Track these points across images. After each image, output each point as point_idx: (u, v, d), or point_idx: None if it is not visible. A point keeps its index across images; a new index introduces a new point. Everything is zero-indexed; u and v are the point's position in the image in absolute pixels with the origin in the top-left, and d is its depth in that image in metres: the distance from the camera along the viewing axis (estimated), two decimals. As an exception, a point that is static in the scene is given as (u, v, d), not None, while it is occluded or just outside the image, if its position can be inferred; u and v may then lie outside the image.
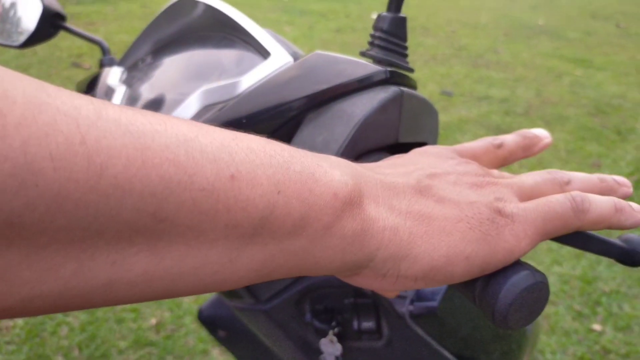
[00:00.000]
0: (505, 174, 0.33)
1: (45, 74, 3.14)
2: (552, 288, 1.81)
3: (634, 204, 0.31)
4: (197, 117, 0.41)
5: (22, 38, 0.66)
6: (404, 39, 0.39)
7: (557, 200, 0.28)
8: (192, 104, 0.42)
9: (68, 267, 0.18)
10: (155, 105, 0.47)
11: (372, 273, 0.26)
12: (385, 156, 0.38)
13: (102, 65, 0.63)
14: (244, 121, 0.39)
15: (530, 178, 0.31)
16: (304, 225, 0.22)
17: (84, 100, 0.18)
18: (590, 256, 1.98)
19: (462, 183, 0.29)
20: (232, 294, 0.53)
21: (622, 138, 3.05)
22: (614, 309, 1.75)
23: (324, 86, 0.37)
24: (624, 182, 0.33)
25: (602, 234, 0.31)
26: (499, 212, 0.27)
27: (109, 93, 0.52)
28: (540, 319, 0.61)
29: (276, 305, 0.51)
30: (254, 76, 0.41)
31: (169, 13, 0.53)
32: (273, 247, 0.22)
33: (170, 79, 0.49)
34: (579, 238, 0.31)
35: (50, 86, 0.17)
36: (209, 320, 0.79)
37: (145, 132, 0.18)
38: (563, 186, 0.31)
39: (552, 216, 0.28)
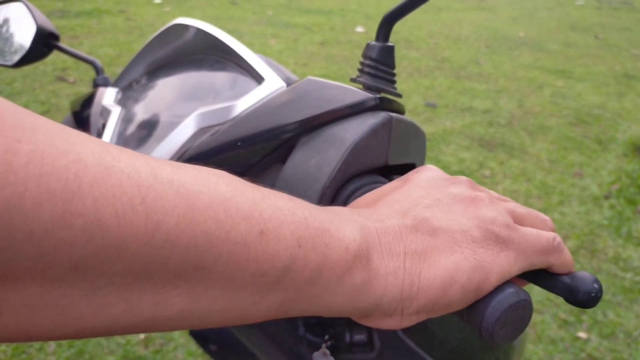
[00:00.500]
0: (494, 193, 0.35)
1: (30, 88, 3.12)
2: (538, 297, 1.84)
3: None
4: (193, 139, 0.42)
5: (16, 57, 0.67)
6: (392, 66, 0.41)
7: (546, 236, 0.30)
8: (188, 126, 0.43)
9: (119, 306, 0.20)
10: (151, 126, 0.48)
11: (380, 315, 0.28)
12: (376, 178, 0.39)
13: (95, 85, 0.64)
14: (239, 144, 0.40)
15: (523, 209, 0.32)
16: (319, 275, 0.25)
17: (142, 161, 0.20)
18: (575, 264, 2.01)
19: (455, 208, 0.30)
20: None
21: (603, 147, 3.11)
22: (599, 316, 1.78)
23: (317, 111, 0.39)
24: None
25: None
26: (495, 237, 0.29)
27: (104, 113, 0.53)
28: (526, 335, 0.63)
29: (269, 320, 0.52)
30: (248, 100, 0.42)
31: (163, 36, 0.54)
32: (292, 293, 0.25)
33: (165, 101, 0.50)
34: (530, 272, 0.32)
35: (112, 147, 0.20)
36: (200, 335, 0.80)
37: (193, 192, 0.21)
38: (546, 224, 0.33)
39: (539, 250, 0.30)
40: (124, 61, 3.77)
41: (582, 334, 1.69)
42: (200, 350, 1.51)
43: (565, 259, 0.31)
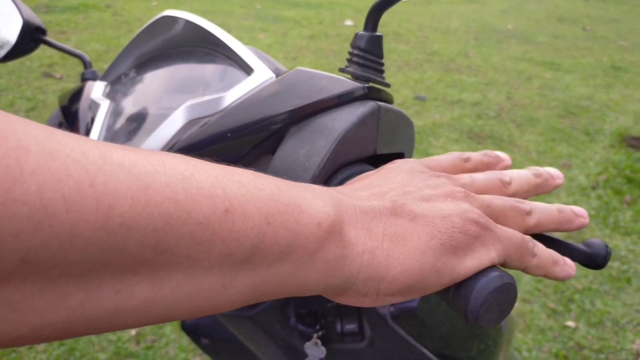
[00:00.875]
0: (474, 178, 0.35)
1: (16, 84, 3.09)
2: (527, 287, 1.86)
3: (577, 208, 0.35)
4: (182, 131, 0.43)
5: (2, 52, 0.66)
6: (381, 56, 0.41)
7: (520, 239, 0.31)
8: (178, 118, 0.43)
9: (77, 297, 0.19)
10: (140, 119, 0.48)
11: (354, 293, 0.28)
12: (365, 167, 0.40)
13: (84, 79, 0.64)
14: (229, 135, 0.40)
15: (499, 201, 0.32)
16: (290, 252, 0.24)
17: (91, 145, 0.19)
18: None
19: (435, 197, 0.31)
20: None
21: (591, 139, 3.14)
22: (587, 305, 1.80)
23: (306, 101, 0.39)
24: (581, 213, 0.35)
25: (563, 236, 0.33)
26: (474, 222, 0.29)
27: (93, 107, 0.53)
28: (515, 316, 0.64)
29: (261, 311, 0.52)
30: (237, 91, 0.43)
31: (151, 29, 0.54)
32: (262, 272, 0.24)
33: (154, 93, 0.50)
34: (547, 243, 0.33)
35: (59, 132, 0.19)
36: (192, 329, 0.80)
37: (147, 172, 0.20)
38: (524, 216, 0.33)
39: (514, 245, 0.31)
40: (111, 56, 3.74)
41: (571, 323, 1.72)
42: (192, 346, 1.51)
43: (540, 261, 0.32)
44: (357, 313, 0.52)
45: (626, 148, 3.02)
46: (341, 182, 0.37)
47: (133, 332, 1.54)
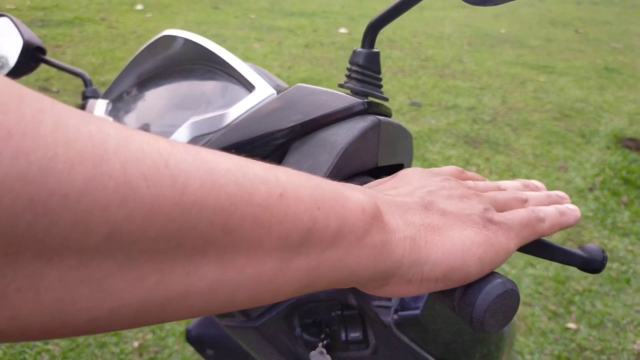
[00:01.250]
0: (477, 185, 0.38)
1: (13, 100, 3.09)
2: (527, 290, 1.87)
3: (570, 205, 0.38)
4: None
5: (3, 72, 0.67)
6: (378, 71, 0.42)
7: (525, 213, 0.34)
8: (182, 135, 0.44)
9: (152, 278, 0.20)
10: None
11: (399, 280, 0.29)
12: (367, 179, 0.41)
13: (85, 96, 0.64)
14: (233, 151, 0.41)
15: (501, 196, 0.36)
16: (340, 237, 0.26)
17: (156, 136, 0.21)
18: (562, 257, 2.04)
19: (454, 196, 0.33)
20: (223, 313, 0.55)
21: (586, 140, 3.16)
22: (587, 307, 1.81)
23: (308, 117, 0.40)
24: (564, 196, 0.40)
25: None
26: (490, 221, 0.32)
27: None
28: (516, 320, 0.65)
29: (266, 321, 0.53)
30: (240, 108, 0.44)
31: (152, 48, 0.55)
32: (316, 257, 0.25)
33: (156, 111, 0.51)
34: (546, 249, 0.34)
35: (119, 125, 0.21)
36: (197, 340, 0.80)
37: (210, 159, 0.22)
38: (523, 203, 0.37)
39: (524, 224, 0.33)
40: (107, 69, 3.76)
41: (572, 325, 1.72)
42: (195, 356, 1.52)
43: (549, 222, 0.35)
44: (361, 322, 0.53)
45: (622, 149, 3.03)
46: None
47: (136, 343, 1.54)
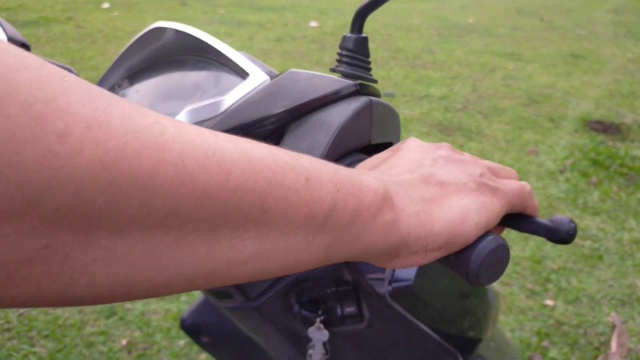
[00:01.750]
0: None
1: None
2: (505, 270, 1.92)
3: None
4: None
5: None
6: (367, 55, 0.45)
7: (519, 184, 0.37)
8: None
9: (202, 250, 0.23)
10: None
11: (407, 253, 0.33)
12: (361, 157, 0.43)
13: None
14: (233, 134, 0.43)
15: (495, 164, 0.39)
16: (357, 216, 0.29)
17: (200, 128, 0.24)
18: (537, 238, 2.10)
19: (451, 165, 0.36)
20: (222, 295, 0.57)
21: (556, 125, 3.24)
22: (563, 284, 1.87)
23: (303, 100, 0.42)
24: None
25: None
26: (485, 185, 0.35)
27: None
28: (500, 293, 0.68)
29: (265, 301, 0.55)
30: (235, 95, 0.45)
31: (142, 40, 0.56)
32: (337, 233, 0.29)
33: (149, 102, 0.52)
34: (516, 220, 0.37)
35: (168, 117, 0.23)
36: (192, 328, 0.82)
37: (248, 148, 0.25)
38: (515, 177, 0.40)
39: (517, 194, 0.36)
40: (77, 69, 3.70)
41: (549, 302, 1.78)
42: (184, 351, 1.52)
43: (535, 203, 0.38)
44: (356, 296, 0.55)
45: (589, 132, 3.13)
46: None
47: (124, 341, 1.54)
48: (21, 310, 1.67)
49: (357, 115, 0.41)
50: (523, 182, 0.37)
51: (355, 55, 0.44)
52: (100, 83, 0.59)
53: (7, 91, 0.16)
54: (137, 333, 1.58)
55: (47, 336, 1.56)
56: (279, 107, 0.43)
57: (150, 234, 0.21)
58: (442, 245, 0.33)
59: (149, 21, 5.29)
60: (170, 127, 0.22)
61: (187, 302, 1.71)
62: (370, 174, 0.33)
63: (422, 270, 0.52)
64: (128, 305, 1.69)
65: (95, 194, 0.18)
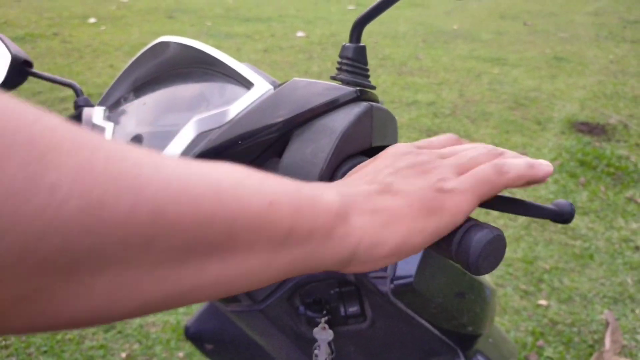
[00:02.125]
0: (455, 148, 0.41)
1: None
2: (498, 272, 1.95)
3: (542, 161, 0.40)
4: (193, 144, 0.47)
5: (-7, 87, 0.69)
6: (365, 63, 0.47)
7: (483, 169, 0.37)
8: (188, 133, 0.47)
9: (172, 277, 0.25)
10: (148, 138, 0.52)
11: (357, 263, 0.35)
12: (363, 159, 0.45)
13: (77, 106, 0.67)
14: (240, 142, 0.45)
15: (469, 153, 0.39)
16: (313, 233, 0.31)
17: (176, 160, 0.26)
18: (528, 238, 2.13)
19: (412, 174, 0.37)
20: (229, 299, 0.58)
21: (542, 127, 3.29)
22: (556, 283, 1.90)
23: (306, 107, 0.44)
24: (546, 163, 0.41)
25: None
26: (441, 190, 0.36)
27: (97, 131, 0.56)
28: (496, 290, 0.70)
29: (270, 304, 0.57)
30: (241, 104, 0.47)
31: (146, 55, 0.58)
32: (295, 251, 0.31)
33: (156, 113, 0.54)
34: (519, 205, 0.39)
35: (149, 153, 0.25)
36: (196, 336, 0.83)
37: (218, 179, 0.27)
38: (497, 156, 0.39)
39: (481, 181, 0.37)
40: (66, 85, 3.70)
41: (543, 302, 1.81)
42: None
43: (514, 175, 0.37)
44: (358, 296, 0.57)
45: (576, 134, 3.18)
46: (345, 173, 0.42)
47: (124, 354, 1.54)
48: (18, 327, 1.67)
49: (359, 120, 0.44)
50: (489, 164, 0.37)
51: (354, 63, 0.47)
52: (105, 97, 0.61)
53: (7, 153, 0.19)
54: (136, 346, 1.58)
55: (45, 352, 1.56)
56: (283, 114, 0.45)
57: (127, 268, 0.23)
58: (389, 254, 0.35)
59: (135, 35, 5.29)
60: (148, 167, 0.24)
61: (185, 313, 1.71)
62: (332, 188, 0.35)
63: (422, 267, 0.54)
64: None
65: (79, 239, 0.21)
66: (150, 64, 0.58)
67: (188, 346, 1.57)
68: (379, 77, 4.23)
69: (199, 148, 0.46)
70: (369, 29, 5.90)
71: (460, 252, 0.35)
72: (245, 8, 7.03)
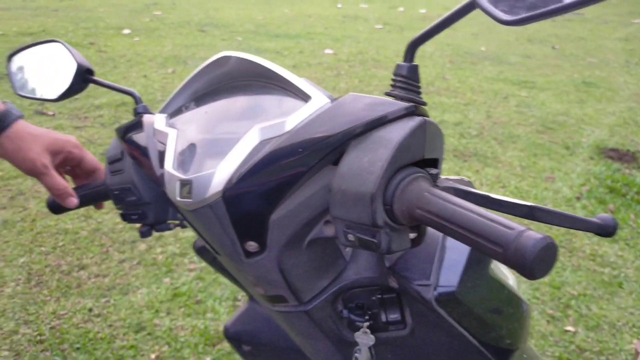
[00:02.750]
0: None
1: (6, 125, 3.12)
2: (525, 295, 1.93)
3: None
4: (256, 150, 0.49)
5: (59, 92, 0.73)
6: (418, 80, 0.50)
7: None
8: (251, 139, 0.50)
9: None
10: (210, 144, 0.55)
11: None
12: (415, 169, 0.47)
13: (136, 113, 0.70)
14: (300, 150, 0.48)
15: None
16: None
17: None
18: (556, 262, 2.11)
19: None
20: (276, 299, 0.60)
21: (571, 152, 3.27)
22: (584, 310, 1.88)
23: (365, 119, 0.47)
24: None
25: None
26: None
27: (160, 136, 0.59)
28: (530, 311, 0.72)
29: (316, 305, 0.59)
30: (299, 115, 0.50)
31: (208, 68, 0.61)
32: None
33: (218, 121, 0.57)
34: (565, 218, 0.41)
35: None
36: (235, 336, 0.84)
37: None
38: None
39: None
40: (101, 93, 3.79)
41: (570, 328, 1.79)
42: (209, 369, 1.55)
43: None
44: (399, 304, 0.59)
45: (605, 159, 3.15)
46: (399, 183, 0.45)
47: (153, 356, 1.57)
48: (53, 323, 1.71)
49: (413, 133, 0.46)
50: None
51: (407, 80, 0.50)
52: (167, 106, 0.64)
53: None
54: (165, 348, 1.60)
55: (78, 349, 1.59)
56: (342, 125, 0.48)
57: None
58: None
59: (168, 47, 5.41)
60: None
61: (212, 318, 1.74)
62: None
63: (465, 277, 0.56)
64: (156, 321, 1.72)
65: None
66: (210, 75, 0.62)
67: (215, 351, 1.59)
68: (406, 96, 4.26)
69: (261, 154, 0.49)
70: (395, 48, 5.95)
71: (516, 255, 0.37)
72: (275, 24, 7.15)
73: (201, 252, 0.72)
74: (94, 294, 1.86)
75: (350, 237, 0.46)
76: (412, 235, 0.48)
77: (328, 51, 5.72)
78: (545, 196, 2.67)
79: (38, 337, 1.64)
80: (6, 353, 1.58)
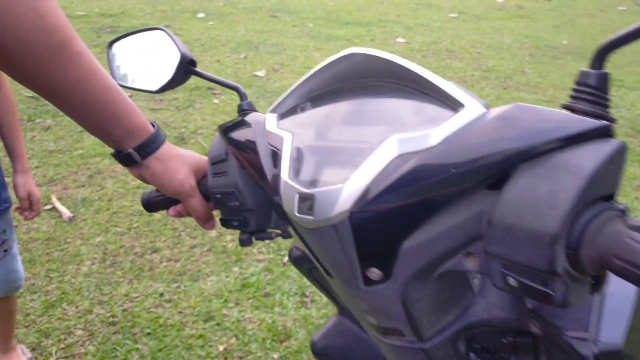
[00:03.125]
0: None
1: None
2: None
3: None
4: (393, 165, 0.43)
5: (161, 83, 0.69)
6: (607, 92, 0.41)
7: None
8: (387, 152, 0.43)
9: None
10: (335, 152, 0.48)
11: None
12: (607, 205, 0.38)
13: (241, 110, 0.65)
14: (452, 169, 0.40)
15: None
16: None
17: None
18: None
19: None
20: (390, 331, 0.54)
21: (664, 159, 3.03)
22: None
23: (542, 138, 0.38)
24: None
25: None
26: None
27: (273, 139, 0.54)
28: None
29: (436, 343, 0.52)
30: (449, 127, 0.42)
31: (329, 66, 0.54)
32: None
33: (342, 127, 0.50)
34: None
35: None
36: (323, 352, 0.80)
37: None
38: None
39: None
40: (175, 76, 3.85)
41: None
42: (279, 365, 1.52)
43: None
44: (534, 351, 0.51)
45: (703, 168, 2.90)
46: (589, 222, 0.37)
47: (221, 347, 1.56)
48: (125, 305, 1.74)
49: (611, 160, 0.37)
50: None
51: (595, 92, 0.40)
52: (279, 105, 0.58)
53: None
54: (233, 340, 1.59)
55: (149, 334, 1.61)
56: (509, 142, 0.40)
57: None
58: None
59: (240, 32, 5.44)
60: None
61: (280, 313, 1.71)
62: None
63: (630, 331, 0.47)
64: (225, 311, 1.71)
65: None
66: (329, 73, 0.55)
67: (282, 348, 1.57)
68: (483, 89, 4.08)
69: (402, 170, 0.42)
70: (470, 38, 5.73)
71: None
72: (346, 11, 7.05)
73: (297, 261, 0.67)
74: (165, 278, 1.87)
75: (512, 281, 0.38)
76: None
77: (400, 40, 5.58)
78: (636, 207, 2.48)
79: (111, 319, 1.67)
80: (80, 332, 1.62)
